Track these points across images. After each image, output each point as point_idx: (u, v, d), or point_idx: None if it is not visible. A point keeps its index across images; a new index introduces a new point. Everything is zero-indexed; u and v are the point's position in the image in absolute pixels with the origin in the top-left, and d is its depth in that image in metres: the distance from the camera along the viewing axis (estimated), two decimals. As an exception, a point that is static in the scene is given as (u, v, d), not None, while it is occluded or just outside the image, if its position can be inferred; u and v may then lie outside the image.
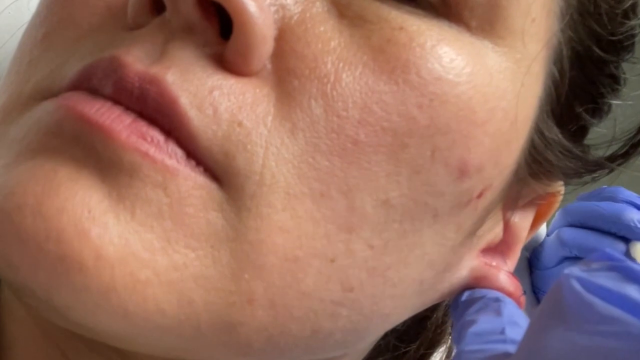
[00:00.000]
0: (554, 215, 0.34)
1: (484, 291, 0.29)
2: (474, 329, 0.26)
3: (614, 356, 0.17)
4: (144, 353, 0.26)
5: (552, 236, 0.59)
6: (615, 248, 0.55)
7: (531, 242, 0.60)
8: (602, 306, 0.18)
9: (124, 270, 0.21)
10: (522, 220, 0.32)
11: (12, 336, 0.30)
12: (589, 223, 0.56)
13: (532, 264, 0.62)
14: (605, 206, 0.55)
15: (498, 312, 0.27)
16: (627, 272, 0.19)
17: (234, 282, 0.22)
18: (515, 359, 0.20)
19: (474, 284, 0.30)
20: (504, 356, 0.23)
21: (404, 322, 0.37)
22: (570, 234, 0.56)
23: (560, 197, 0.33)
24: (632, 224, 0.54)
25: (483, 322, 0.26)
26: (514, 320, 0.26)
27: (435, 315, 0.38)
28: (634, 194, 0.56)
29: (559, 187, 0.32)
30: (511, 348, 0.24)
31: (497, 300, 0.28)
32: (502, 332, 0.25)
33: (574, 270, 0.20)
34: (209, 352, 0.24)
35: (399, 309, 0.27)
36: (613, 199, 0.56)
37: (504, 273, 0.30)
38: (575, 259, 0.57)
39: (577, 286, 0.19)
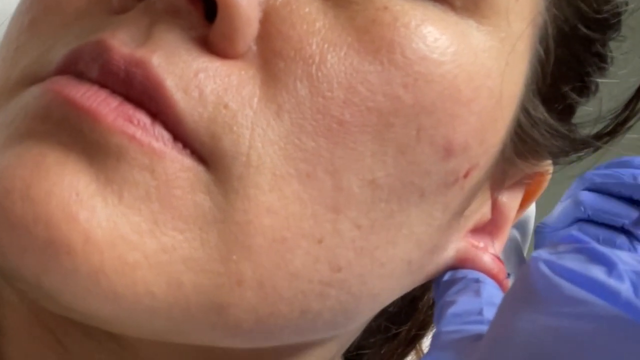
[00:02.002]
0: (543, 196, 0.34)
1: (465, 271, 0.29)
2: (452, 309, 0.26)
3: (581, 337, 0.18)
4: (135, 337, 0.26)
5: (567, 201, 0.59)
6: (630, 214, 0.56)
7: (520, 222, 0.60)
8: (569, 288, 0.19)
9: (113, 254, 0.21)
10: (510, 200, 0.32)
11: (5, 322, 0.30)
12: (606, 187, 0.56)
13: (537, 241, 0.62)
14: (622, 171, 0.56)
15: (477, 293, 0.27)
16: (593, 254, 0.20)
17: (222, 264, 0.23)
18: (485, 340, 0.20)
19: (459, 265, 0.30)
20: (476, 337, 0.23)
21: (395, 304, 0.37)
22: (588, 196, 0.57)
23: (549, 177, 0.33)
24: None
25: (462, 303, 0.26)
26: (493, 301, 0.27)
27: (426, 297, 0.39)
28: None
29: (547, 166, 0.32)
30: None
31: (477, 281, 0.28)
32: (480, 312, 0.25)
33: (542, 253, 0.20)
34: (199, 334, 0.24)
35: (388, 289, 0.27)
36: (629, 164, 0.57)
37: (488, 255, 0.30)
38: (587, 221, 0.57)
39: (544, 269, 0.19)
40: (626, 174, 0.55)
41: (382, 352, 0.39)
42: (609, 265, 0.19)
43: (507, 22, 0.27)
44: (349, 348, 0.34)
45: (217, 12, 0.22)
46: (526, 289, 0.20)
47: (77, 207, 0.21)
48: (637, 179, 0.55)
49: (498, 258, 0.31)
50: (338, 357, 0.34)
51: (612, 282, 0.18)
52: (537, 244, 0.61)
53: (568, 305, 0.18)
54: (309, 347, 0.30)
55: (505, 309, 0.20)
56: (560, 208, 0.60)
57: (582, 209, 0.57)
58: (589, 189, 0.58)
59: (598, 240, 0.53)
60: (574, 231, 0.20)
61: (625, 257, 0.20)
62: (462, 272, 0.29)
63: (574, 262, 0.19)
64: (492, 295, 0.27)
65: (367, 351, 0.39)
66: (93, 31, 0.23)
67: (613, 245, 0.54)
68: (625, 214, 0.55)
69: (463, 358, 0.22)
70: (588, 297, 0.18)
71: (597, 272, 0.19)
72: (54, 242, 0.21)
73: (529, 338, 0.18)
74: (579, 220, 0.58)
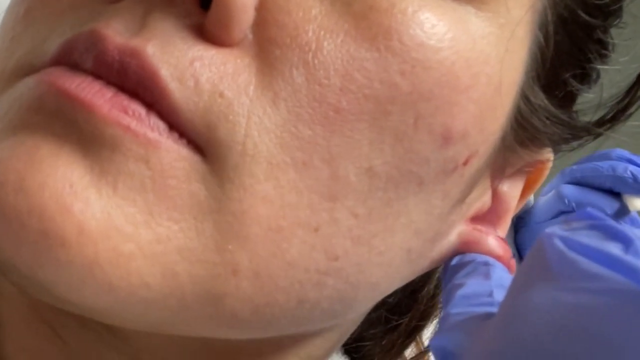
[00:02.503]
0: (544, 184, 0.34)
1: (473, 255, 0.29)
2: (462, 291, 0.26)
3: (599, 312, 0.17)
4: (132, 329, 0.26)
5: (549, 194, 0.59)
6: (611, 205, 0.58)
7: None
8: (586, 263, 0.18)
9: (107, 245, 0.21)
10: (511, 189, 0.32)
11: (4, 315, 0.30)
12: (586, 180, 0.57)
13: (517, 223, 0.63)
14: (601, 164, 0.57)
15: (487, 276, 0.27)
16: (608, 230, 0.19)
17: (218, 254, 0.22)
18: (497, 318, 0.20)
19: (464, 248, 0.30)
20: (485, 316, 0.23)
21: (396, 295, 0.37)
22: (570, 189, 0.58)
23: (550, 165, 0.33)
24: (626, 175, 0.56)
25: (471, 285, 0.26)
26: (502, 283, 0.26)
27: (426, 288, 0.38)
28: (627, 152, 0.58)
29: (548, 154, 0.32)
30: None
31: (486, 264, 0.28)
32: (490, 294, 0.25)
33: (556, 229, 0.20)
34: (195, 325, 0.24)
35: (387, 278, 0.27)
36: (607, 157, 0.58)
37: (493, 237, 0.30)
38: (570, 213, 0.58)
39: (560, 244, 0.19)
40: (605, 166, 0.57)
41: (382, 343, 0.39)
42: (626, 242, 0.19)
43: (506, 8, 0.26)
44: (348, 339, 0.34)
45: None
46: (541, 265, 0.19)
47: (71, 198, 0.21)
48: (616, 170, 0.56)
49: (502, 240, 0.31)
50: (337, 347, 0.34)
51: (629, 258, 0.18)
52: (520, 237, 0.62)
53: (586, 281, 0.18)
54: (308, 338, 0.29)
55: (519, 285, 0.20)
56: (542, 201, 0.60)
57: (566, 201, 0.57)
58: (571, 183, 0.58)
59: None
60: (589, 208, 0.20)
61: None
62: (470, 256, 0.29)
63: (589, 238, 0.19)
64: (501, 278, 0.27)
65: (367, 343, 0.39)
66: (87, 21, 0.23)
67: None
68: (607, 204, 0.57)
69: (473, 337, 0.22)
70: (606, 273, 0.18)
71: (614, 249, 0.19)
72: (48, 233, 0.21)
73: (546, 314, 0.18)
74: (563, 212, 0.59)
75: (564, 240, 0.19)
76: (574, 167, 0.58)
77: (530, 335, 0.18)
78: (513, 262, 0.31)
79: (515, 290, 0.20)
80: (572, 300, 0.18)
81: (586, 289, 0.18)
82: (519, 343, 0.19)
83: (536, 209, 0.61)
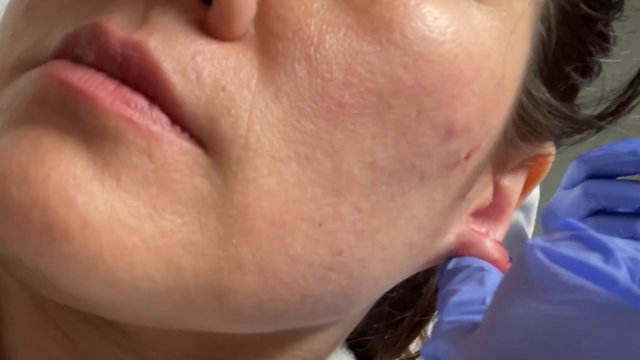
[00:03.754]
0: (546, 180, 0.34)
1: (470, 260, 0.29)
2: (455, 298, 0.26)
3: (578, 324, 0.17)
4: (136, 324, 0.26)
5: (574, 192, 0.57)
6: None
7: (524, 207, 0.59)
8: (566, 275, 0.18)
9: (111, 238, 0.21)
10: (513, 184, 0.32)
11: (7, 311, 0.30)
12: (611, 169, 0.54)
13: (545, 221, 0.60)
14: (618, 147, 0.54)
15: (481, 282, 0.27)
16: (589, 241, 0.19)
17: (221, 248, 0.22)
18: (479, 330, 0.20)
19: (461, 249, 0.30)
20: (472, 327, 0.23)
21: (399, 290, 0.37)
22: (596, 186, 0.55)
23: (552, 159, 0.33)
24: None
25: (465, 292, 0.26)
26: None
27: (430, 282, 0.38)
28: None
29: (550, 148, 0.32)
30: None
31: (481, 269, 0.28)
32: (484, 302, 0.25)
33: (537, 240, 0.20)
34: (199, 320, 0.24)
35: (389, 273, 0.27)
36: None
37: (490, 240, 0.30)
38: (602, 212, 0.56)
39: (540, 256, 0.19)
40: (624, 149, 0.54)
41: (386, 338, 0.39)
42: (606, 253, 0.19)
43: (508, 1, 0.26)
44: (352, 334, 0.34)
45: None
46: (522, 277, 0.19)
47: (74, 191, 0.21)
48: (637, 152, 0.53)
49: (500, 243, 0.31)
50: (341, 342, 0.34)
51: (609, 269, 0.18)
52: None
53: (565, 293, 0.18)
54: (311, 332, 0.29)
55: (501, 297, 0.20)
56: (569, 199, 0.58)
57: (594, 201, 0.55)
58: (594, 176, 0.56)
59: (619, 233, 0.52)
60: (570, 219, 0.20)
61: (621, 244, 0.19)
62: (467, 261, 0.29)
63: (570, 250, 0.19)
64: (496, 284, 0.27)
65: (371, 337, 0.38)
66: (89, 15, 0.23)
67: (635, 232, 0.53)
68: (638, 195, 0.54)
69: (459, 348, 0.22)
70: (585, 284, 0.18)
71: (594, 259, 0.19)
72: (52, 226, 0.21)
73: (526, 326, 0.18)
74: (593, 212, 0.56)
75: (545, 251, 0.19)
76: (593, 155, 0.55)
77: (511, 348, 0.18)
78: (509, 266, 0.31)
79: (498, 301, 0.20)
80: (551, 312, 0.18)
81: (565, 301, 0.18)
82: (500, 355, 0.19)
83: (561, 207, 0.58)
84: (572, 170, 0.57)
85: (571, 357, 0.17)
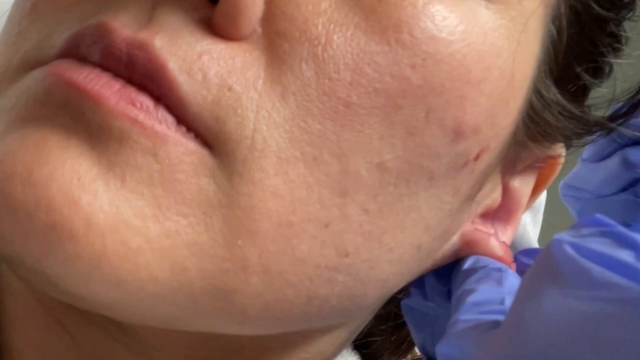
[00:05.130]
0: (555, 182, 0.33)
1: (487, 260, 0.29)
2: (473, 297, 0.25)
3: (616, 321, 0.17)
4: (141, 324, 0.26)
5: (608, 163, 0.51)
6: None
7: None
8: (599, 271, 0.18)
9: (115, 238, 0.21)
10: (522, 186, 0.31)
11: (11, 310, 0.30)
12: None
13: (576, 210, 0.56)
14: None
15: (499, 282, 0.26)
16: (620, 237, 0.19)
17: (227, 249, 0.22)
18: (504, 326, 0.20)
19: (465, 249, 0.29)
20: (493, 324, 0.23)
21: (405, 291, 0.37)
22: (636, 152, 0.50)
23: (562, 160, 0.32)
24: None
25: (483, 292, 0.26)
26: (515, 290, 0.26)
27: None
28: None
29: (560, 149, 0.32)
30: None
31: (499, 270, 0.28)
32: (502, 302, 0.25)
33: (564, 235, 0.19)
34: (205, 321, 0.24)
35: (396, 275, 0.27)
36: None
37: (494, 238, 0.30)
38: None
39: (570, 251, 0.19)
40: None
41: (392, 339, 0.39)
42: (638, 249, 0.19)
43: (518, 0, 0.26)
44: (358, 335, 0.34)
45: None
46: (551, 272, 0.19)
47: (78, 191, 0.21)
48: None
49: (503, 243, 0.31)
50: (347, 344, 0.33)
51: None
52: (578, 213, 0.55)
53: (600, 289, 0.18)
54: (318, 334, 0.29)
55: (527, 292, 0.19)
56: (602, 172, 0.52)
57: (638, 170, 0.50)
58: (637, 142, 0.51)
59: None
60: (598, 214, 0.20)
61: None
62: (484, 261, 0.29)
63: (601, 245, 0.19)
64: (513, 285, 0.26)
65: (377, 338, 0.38)
66: (95, 14, 0.23)
67: None
68: None
69: (481, 346, 0.22)
70: (620, 281, 0.18)
71: (626, 256, 0.18)
72: (56, 226, 0.20)
73: (558, 322, 0.18)
74: (634, 182, 0.51)
75: (575, 246, 0.19)
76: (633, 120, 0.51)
77: (541, 344, 0.18)
78: (513, 267, 0.30)
79: (523, 297, 0.19)
80: (586, 308, 0.17)
81: (601, 298, 0.17)
82: (528, 352, 0.18)
83: (590, 182, 0.53)
84: (600, 143, 0.52)
85: (609, 353, 0.17)
